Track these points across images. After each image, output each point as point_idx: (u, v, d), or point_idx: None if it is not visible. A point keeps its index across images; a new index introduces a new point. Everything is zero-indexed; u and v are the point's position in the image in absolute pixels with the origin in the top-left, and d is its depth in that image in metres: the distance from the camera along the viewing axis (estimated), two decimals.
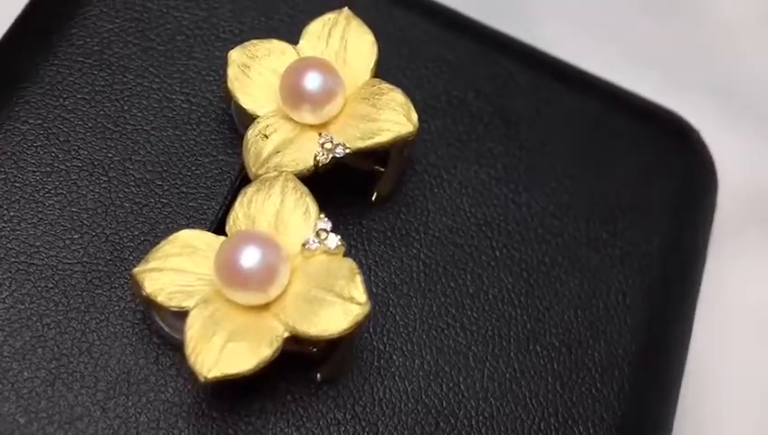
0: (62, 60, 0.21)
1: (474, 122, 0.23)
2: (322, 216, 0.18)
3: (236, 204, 0.18)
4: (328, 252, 0.17)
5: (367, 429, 0.19)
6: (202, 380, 0.16)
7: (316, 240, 0.17)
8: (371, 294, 0.20)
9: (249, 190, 0.18)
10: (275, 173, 0.18)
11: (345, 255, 0.18)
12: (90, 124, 0.20)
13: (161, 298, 0.17)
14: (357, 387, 0.19)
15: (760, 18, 0.33)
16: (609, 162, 0.23)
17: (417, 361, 0.20)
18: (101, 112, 0.20)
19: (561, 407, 0.20)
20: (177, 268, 0.17)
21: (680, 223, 0.23)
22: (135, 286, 0.17)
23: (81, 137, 0.20)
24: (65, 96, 0.20)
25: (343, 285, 0.17)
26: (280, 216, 0.18)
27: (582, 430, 0.20)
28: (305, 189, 0.18)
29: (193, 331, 0.16)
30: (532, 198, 0.22)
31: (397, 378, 0.19)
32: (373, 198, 0.21)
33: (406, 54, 0.23)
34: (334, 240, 0.17)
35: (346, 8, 0.20)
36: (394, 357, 0.20)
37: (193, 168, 0.20)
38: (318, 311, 0.17)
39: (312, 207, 0.18)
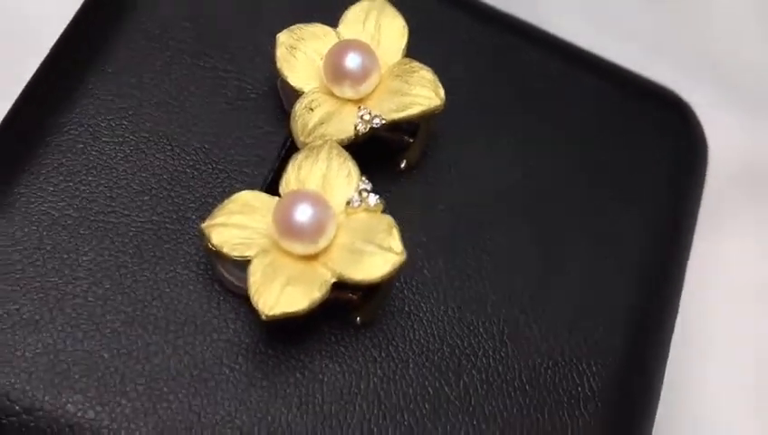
0: (128, 42, 0.23)
1: (498, 97, 0.25)
2: (364, 178, 0.20)
3: (288, 167, 0.21)
4: (368, 209, 0.20)
5: (400, 365, 0.21)
6: (264, 317, 0.19)
7: (358, 199, 0.20)
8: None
9: (299, 156, 0.21)
10: (321, 141, 0.21)
11: (384, 212, 0.20)
12: (154, 100, 0.23)
13: (226, 249, 0.20)
14: (390, 330, 0.22)
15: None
16: (610, 135, 0.26)
17: (441, 307, 0.22)
18: (164, 90, 0.23)
19: (567, 348, 0.23)
20: (239, 224, 0.20)
21: (672, 191, 0.26)
22: (203, 238, 0.20)
23: (146, 111, 0.23)
24: (132, 74, 0.23)
25: (383, 237, 0.20)
26: (326, 178, 0.20)
27: (586, 367, 0.23)
28: (348, 155, 0.21)
29: (255, 277, 0.19)
30: (548, 169, 0.25)
31: (425, 322, 0.22)
32: (402, 166, 0.23)
33: (434, 39, 0.25)
34: (374, 199, 0.20)
35: None
36: (422, 305, 0.22)
37: (244, 138, 0.23)
38: (361, 259, 0.20)
39: (354, 170, 0.20)
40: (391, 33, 0.22)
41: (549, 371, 0.22)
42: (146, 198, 0.22)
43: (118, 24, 0.23)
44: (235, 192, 0.21)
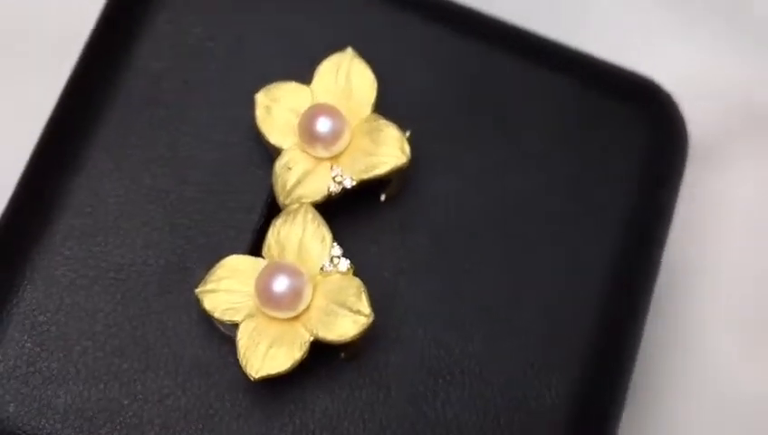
0: (120, 102, 0.25)
1: (469, 115, 0.27)
2: (335, 244, 0.23)
3: (269, 234, 0.23)
4: (341, 273, 0.22)
5: (382, 390, 0.24)
6: (252, 379, 0.22)
7: (330, 265, 0.22)
8: (384, 279, 0.25)
9: (278, 222, 0.23)
10: (297, 205, 0.23)
11: (355, 273, 0.23)
12: (151, 155, 0.25)
13: (217, 314, 0.22)
14: (373, 357, 0.24)
15: None
16: (585, 139, 0.27)
17: (420, 331, 0.25)
18: (159, 143, 0.25)
19: (537, 360, 0.25)
20: (228, 289, 0.23)
21: (653, 189, 0.27)
22: (197, 302, 0.23)
23: (144, 168, 0.25)
24: (129, 133, 0.25)
25: (353, 301, 0.22)
26: (302, 243, 0.23)
27: (553, 378, 0.25)
28: (321, 220, 0.23)
29: (242, 341, 0.22)
30: (519, 183, 0.26)
31: (405, 346, 0.25)
32: (382, 199, 0.25)
33: (405, 55, 0.27)
34: (345, 264, 0.22)
35: (350, 48, 0.24)
36: (402, 330, 0.25)
37: (236, 184, 0.25)
38: (334, 321, 0.22)
39: (327, 235, 0.23)
40: (362, 86, 0.24)
41: (519, 383, 0.25)
42: (150, 252, 0.24)
43: (109, 82, 0.25)
44: (225, 243, 0.24)
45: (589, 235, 0.26)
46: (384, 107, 0.26)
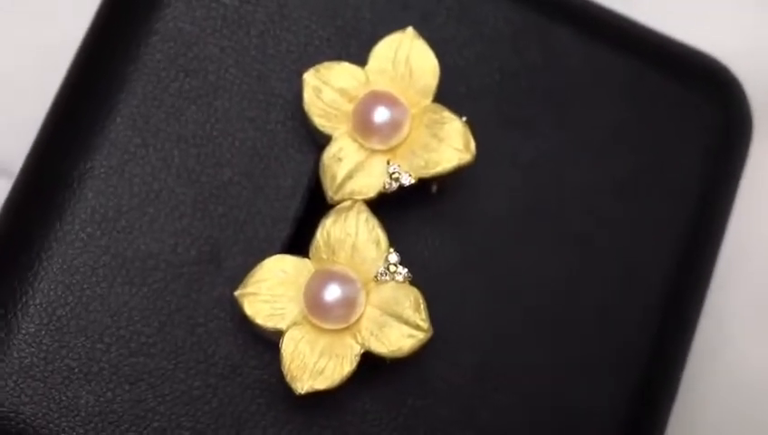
0: (149, 68, 0.23)
1: (524, 99, 0.25)
2: (391, 250, 0.21)
3: (318, 234, 0.21)
4: (396, 281, 0.21)
5: (430, 397, 0.23)
6: (297, 394, 0.20)
7: (386, 272, 0.20)
8: (432, 275, 0.23)
9: (327, 222, 0.21)
10: (349, 203, 0.21)
11: (412, 281, 0.21)
12: (181, 132, 0.23)
13: (259, 320, 0.21)
14: (418, 360, 0.23)
15: None
16: (648, 126, 0.25)
17: (468, 333, 0.23)
18: (190, 118, 0.23)
19: (587, 367, 0.24)
20: (270, 293, 0.21)
21: (715, 180, 0.26)
22: (237, 305, 0.21)
23: (174, 145, 0.23)
24: (156, 105, 0.23)
25: (410, 313, 0.20)
26: (356, 247, 0.21)
27: (603, 386, 0.24)
28: (376, 221, 0.21)
29: (288, 352, 0.20)
30: (576, 174, 0.24)
31: (451, 349, 0.23)
32: (433, 190, 0.23)
33: (464, 31, 0.24)
34: (402, 273, 0.20)
35: (410, 28, 0.22)
36: (450, 331, 0.23)
37: (273, 167, 0.23)
38: (388, 335, 0.20)
39: (383, 239, 0.21)
40: (422, 73, 0.22)
41: (569, 389, 0.24)
42: (179, 240, 0.22)
43: (133, 46, 0.23)
44: (261, 234, 0.22)
45: (649, 233, 0.25)
46: (439, 89, 0.24)
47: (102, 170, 0.22)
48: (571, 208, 0.24)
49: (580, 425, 0.23)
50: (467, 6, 0.24)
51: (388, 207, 0.23)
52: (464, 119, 0.23)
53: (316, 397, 0.22)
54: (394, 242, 0.23)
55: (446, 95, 0.24)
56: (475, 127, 0.24)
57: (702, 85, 0.26)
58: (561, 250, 0.24)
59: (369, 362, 0.23)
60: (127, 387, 0.22)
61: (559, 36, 0.25)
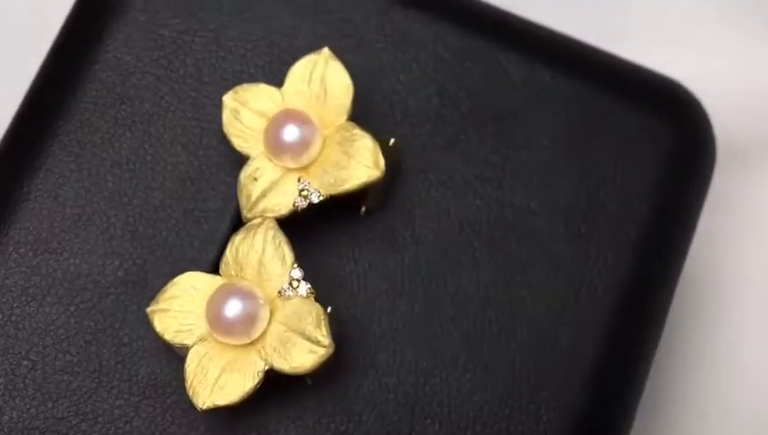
0: (88, 95, 0.24)
1: (464, 123, 0.24)
2: (296, 265, 0.21)
3: (227, 250, 0.21)
4: (301, 298, 0.20)
5: (352, 419, 0.22)
6: (198, 410, 0.20)
7: (289, 288, 0.20)
8: (360, 299, 0.23)
9: (237, 239, 0.21)
10: (259, 220, 0.21)
11: (317, 298, 0.21)
12: (115, 157, 0.23)
13: (167, 336, 0.21)
14: (344, 382, 0.23)
15: None
16: (596, 150, 0.24)
17: (398, 357, 0.23)
18: (125, 145, 0.23)
19: (525, 392, 0.23)
20: (180, 309, 0.21)
21: (669, 205, 0.25)
22: (149, 322, 0.21)
23: (108, 170, 0.23)
24: (93, 131, 0.23)
25: (311, 329, 0.20)
26: (262, 263, 0.21)
27: (543, 412, 0.23)
28: (283, 237, 0.21)
29: (191, 368, 0.20)
30: (515, 197, 0.24)
31: (379, 373, 0.23)
32: (362, 212, 0.23)
33: (401, 56, 0.24)
34: (304, 288, 0.20)
35: (326, 49, 0.22)
36: (378, 355, 0.23)
37: (204, 191, 0.23)
38: (291, 351, 0.20)
39: (289, 256, 0.21)
40: (337, 92, 0.22)
41: (504, 418, 0.23)
42: (108, 262, 0.23)
43: (75, 74, 0.24)
44: (189, 255, 0.22)
45: (596, 257, 0.24)
46: (371, 111, 0.24)
47: (38, 194, 0.23)
48: (511, 232, 0.24)
49: None
50: (406, 31, 0.25)
51: (314, 228, 0.23)
52: (392, 141, 0.23)
53: (234, 414, 0.22)
54: (321, 266, 0.23)
55: (384, 119, 0.24)
56: (411, 149, 0.24)
57: (656, 105, 0.25)
58: (499, 275, 0.23)
59: (292, 385, 0.23)
60: (50, 404, 0.22)
61: (500, 60, 0.25)
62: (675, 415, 0.29)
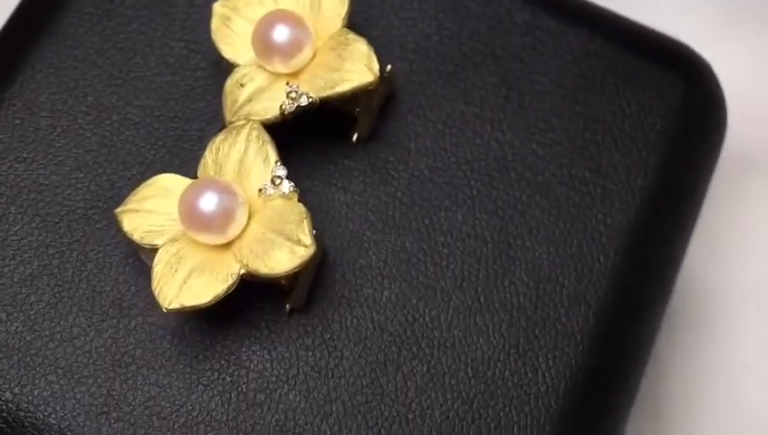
0: (74, 11, 0.23)
1: (464, 62, 0.23)
2: (279, 163, 0.19)
3: (206, 151, 0.20)
4: (283, 196, 0.19)
5: (333, 354, 0.21)
6: (164, 310, 0.18)
7: (271, 186, 0.19)
8: (348, 229, 0.21)
9: (217, 138, 0.20)
10: (243, 121, 0.20)
11: (300, 199, 0.19)
12: (97, 72, 0.22)
13: (136, 236, 0.19)
14: (326, 316, 0.21)
15: None
16: (602, 98, 0.23)
17: (385, 292, 0.21)
18: (108, 60, 0.22)
19: (522, 339, 0.21)
20: (152, 210, 0.19)
21: (676, 160, 0.23)
22: (117, 225, 0.20)
23: (88, 84, 0.22)
24: (76, 46, 0.22)
25: (292, 228, 0.19)
26: (243, 163, 0.19)
27: (542, 360, 0.21)
28: (268, 138, 0.19)
29: (159, 267, 0.19)
30: (516, 138, 0.23)
31: (364, 308, 0.21)
32: (354, 139, 0.22)
33: None
34: (287, 186, 0.19)
35: None
36: (364, 289, 0.21)
37: (188, 111, 0.22)
38: (269, 251, 0.19)
39: (272, 154, 0.19)
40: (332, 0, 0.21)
41: (499, 364, 0.21)
42: (80, 175, 0.21)
43: None
44: (167, 171, 0.21)
45: (601, 203, 0.22)
46: (374, 38, 0.23)
47: (12, 102, 0.22)
48: (510, 173, 0.22)
49: (506, 407, 0.20)
50: None
51: (304, 155, 0.22)
52: (388, 68, 0.22)
53: (205, 340, 0.20)
54: (308, 191, 0.21)
55: (381, 51, 0.23)
56: (408, 84, 0.23)
57: (662, 60, 0.24)
58: (497, 215, 0.22)
59: (270, 315, 0.21)
60: (3, 317, 0.20)
61: (503, 2, 0.24)
62: (675, 415, 0.27)
